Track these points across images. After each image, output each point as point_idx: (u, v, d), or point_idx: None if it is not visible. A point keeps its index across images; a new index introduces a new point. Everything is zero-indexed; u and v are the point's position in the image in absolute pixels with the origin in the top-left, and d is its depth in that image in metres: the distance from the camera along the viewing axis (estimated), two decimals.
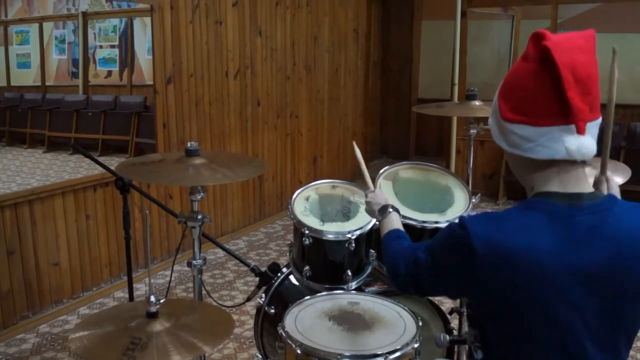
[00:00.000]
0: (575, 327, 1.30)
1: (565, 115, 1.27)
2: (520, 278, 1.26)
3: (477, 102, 3.01)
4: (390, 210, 1.89)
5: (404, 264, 1.57)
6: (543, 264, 1.26)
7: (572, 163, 1.32)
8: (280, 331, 2.09)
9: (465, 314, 3.15)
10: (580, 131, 1.27)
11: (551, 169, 1.33)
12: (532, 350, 1.34)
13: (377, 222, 1.94)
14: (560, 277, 1.26)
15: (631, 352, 3.74)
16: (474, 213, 1.41)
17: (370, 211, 2.01)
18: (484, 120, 3.05)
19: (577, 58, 1.26)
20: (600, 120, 1.33)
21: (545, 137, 1.29)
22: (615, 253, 1.28)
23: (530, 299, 1.28)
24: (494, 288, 1.30)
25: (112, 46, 5.32)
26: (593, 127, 1.30)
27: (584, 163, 1.34)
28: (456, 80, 7.07)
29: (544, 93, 1.28)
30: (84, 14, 5.03)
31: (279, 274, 2.75)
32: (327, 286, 2.46)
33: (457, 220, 1.42)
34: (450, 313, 3.02)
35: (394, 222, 1.84)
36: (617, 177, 2.68)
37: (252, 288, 2.82)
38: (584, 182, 1.35)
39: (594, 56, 1.30)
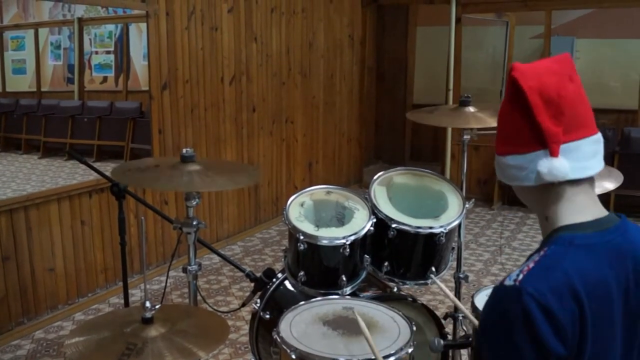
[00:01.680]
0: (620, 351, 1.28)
1: (540, 139, 1.28)
2: (592, 315, 1.22)
3: (470, 108, 3.03)
4: None
5: None
6: (608, 297, 1.24)
7: (575, 186, 1.31)
8: (275, 336, 2.10)
9: (459, 319, 3.16)
10: (553, 154, 1.28)
11: (557, 195, 1.32)
12: None
13: None
14: (618, 305, 1.26)
15: None
16: (517, 276, 1.24)
17: None
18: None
19: (546, 80, 1.28)
20: (593, 137, 1.31)
21: (532, 163, 1.30)
22: None
23: (599, 335, 1.23)
24: (574, 340, 1.21)
25: (108, 52, 5.34)
26: (575, 148, 1.29)
27: (590, 183, 1.33)
28: (451, 86, 7.12)
29: (520, 121, 1.31)
30: (80, 19, 5.04)
31: (274, 280, 2.76)
32: (321, 291, 2.47)
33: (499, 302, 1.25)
34: (445, 318, 3.04)
35: None
36: (609, 183, 2.70)
37: (248, 293, 2.83)
38: (598, 202, 1.35)
39: (567, 77, 1.29)
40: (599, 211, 1.33)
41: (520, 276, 1.22)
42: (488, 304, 1.28)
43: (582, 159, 1.29)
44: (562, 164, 1.28)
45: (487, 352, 1.27)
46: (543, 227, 1.37)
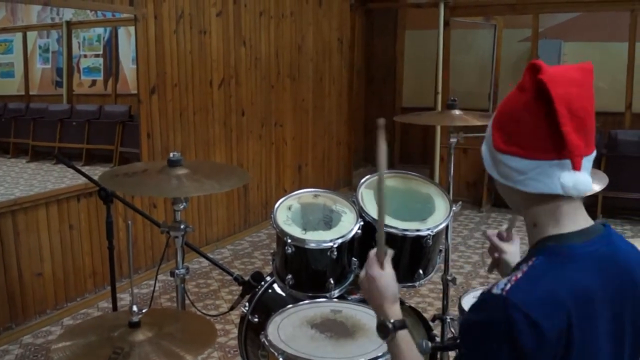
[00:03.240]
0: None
1: (558, 149, 1.25)
2: (580, 324, 1.22)
3: (457, 111, 3.05)
4: (391, 326, 1.44)
5: None
6: (594, 303, 1.25)
7: (570, 199, 1.30)
8: (263, 340, 2.11)
9: (447, 321, 3.18)
10: (577, 167, 1.25)
11: (552, 205, 1.31)
12: None
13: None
14: (603, 310, 1.27)
15: None
16: (504, 285, 1.23)
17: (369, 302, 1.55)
18: (464, 128, 3.10)
19: (573, 92, 1.25)
20: (594, 154, 1.31)
21: (536, 170, 1.27)
22: (629, 281, 1.31)
23: (585, 344, 1.24)
24: (556, 350, 1.21)
25: (97, 55, 5.32)
26: (588, 162, 1.29)
27: (581, 198, 1.33)
28: (439, 89, 7.15)
29: (539, 126, 1.26)
30: (68, 23, 5.02)
31: (262, 283, 2.77)
32: (309, 294, 2.47)
33: (478, 311, 1.25)
34: (433, 320, 3.05)
35: (405, 352, 1.43)
36: (595, 185, 2.72)
37: (237, 297, 2.83)
38: (585, 216, 1.35)
39: (590, 89, 1.28)
40: (585, 222, 1.33)
41: (508, 286, 1.22)
42: (474, 307, 1.28)
43: (589, 174, 1.29)
44: (586, 179, 1.27)
45: (464, 351, 1.28)
46: (530, 233, 1.36)
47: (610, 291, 1.27)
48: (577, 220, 1.31)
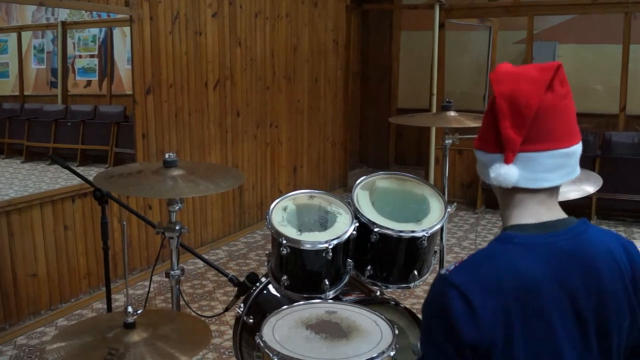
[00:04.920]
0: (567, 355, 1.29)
1: (500, 143, 1.31)
2: (520, 311, 1.24)
3: (452, 113, 3.06)
4: None
5: None
6: (541, 294, 1.25)
7: (531, 193, 1.33)
8: (258, 341, 2.11)
9: None
10: (506, 160, 1.30)
11: (513, 198, 1.35)
12: None
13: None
14: (557, 302, 1.27)
15: None
16: (451, 267, 1.29)
17: None
18: (459, 130, 3.12)
19: (519, 87, 1.28)
20: (560, 150, 1.30)
21: (494, 163, 1.33)
22: (593, 275, 1.29)
23: (531, 331, 1.25)
24: (494, 333, 1.23)
25: (92, 56, 5.31)
26: (531, 159, 1.30)
27: (549, 193, 1.34)
28: (434, 90, 7.17)
29: (490, 121, 1.34)
30: (63, 23, 5.01)
31: (257, 284, 2.77)
32: (305, 295, 2.48)
33: (435, 288, 1.30)
34: None
35: None
36: (589, 187, 2.73)
37: (232, 298, 2.83)
38: (555, 209, 1.36)
39: (544, 86, 1.28)
40: (550, 216, 1.34)
41: (452, 267, 1.29)
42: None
43: (538, 171, 1.30)
44: (509, 172, 1.31)
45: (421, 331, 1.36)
46: (502, 223, 1.43)
47: (567, 287, 1.27)
48: (540, 213, 1.33)
